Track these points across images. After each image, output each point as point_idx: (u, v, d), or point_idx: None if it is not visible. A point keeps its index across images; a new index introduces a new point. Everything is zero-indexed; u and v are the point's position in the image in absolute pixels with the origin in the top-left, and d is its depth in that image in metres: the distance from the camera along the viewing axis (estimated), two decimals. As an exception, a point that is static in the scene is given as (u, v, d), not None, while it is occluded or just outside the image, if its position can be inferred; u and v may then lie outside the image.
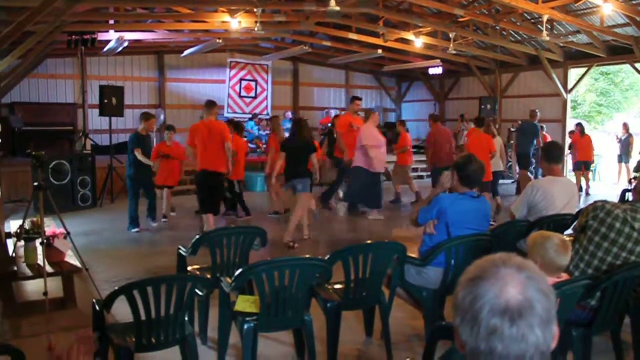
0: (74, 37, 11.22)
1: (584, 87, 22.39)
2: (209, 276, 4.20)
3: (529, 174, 11.59)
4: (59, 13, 8.29)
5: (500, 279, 1.08)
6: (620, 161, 13.97)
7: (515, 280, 1.08)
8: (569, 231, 4.52)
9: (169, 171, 8.93)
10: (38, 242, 4.95)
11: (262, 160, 13.24)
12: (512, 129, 13.85)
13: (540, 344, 1.06)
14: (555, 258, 2.85)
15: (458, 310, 1.12)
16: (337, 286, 4.00)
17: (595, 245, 3.36)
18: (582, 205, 3.60)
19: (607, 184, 13.30)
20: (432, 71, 16.37)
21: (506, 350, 1.05)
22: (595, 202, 3.52)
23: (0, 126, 8.79)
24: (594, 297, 3.28)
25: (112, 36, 11.82)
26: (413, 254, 4.10)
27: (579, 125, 13.05)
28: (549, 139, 12.38)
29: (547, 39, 11.00)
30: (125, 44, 12.22)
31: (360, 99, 10.05)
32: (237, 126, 9.48)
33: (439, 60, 15.09)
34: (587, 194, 12.18)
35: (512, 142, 13.31)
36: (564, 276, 3.00)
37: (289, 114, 15.85)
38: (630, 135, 13.70)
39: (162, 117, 14.41)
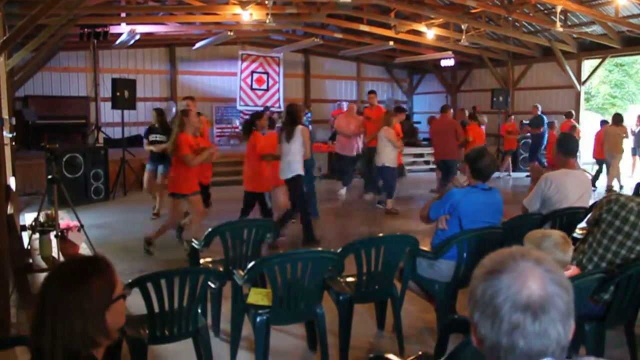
0: (86, 30, 11.27)
1: (598, 78, 22.13)
2: (221, 269, 4.22)
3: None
4: (71, 6, 8.32)
5: (519, 272, 1.08)
6: (634, 154, 13.77)
7: (535, 274, 1.07)
8: (582, 224, 4.49)
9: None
10: (52, 234, 5.00)
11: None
12: None
13: (561, 339, 1.06)
14: (563, 256, 2.81)
15: (477, 305, 1.10)
16: (349, 279, 4.01)
17: (609, 239, 3.34)
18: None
19: (620, 176, 13.13)
20: (443, 63, 16.27)
21: (528, 345, 1.05)
22: (609, 195, 3.50)
23: (14, 119, 8.87)
24: (607, 291, 3.26)
25: (123, 29, 11.87)
26: (425, 246, 4.09)
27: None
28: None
29: (561, 29, 10.90)
30: (137, 37, 12.26)
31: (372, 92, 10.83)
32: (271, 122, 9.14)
33: (450, 52, 14.98)
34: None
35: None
36: (574, 269, 2.98)
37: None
38: (644, 127, 13.51)
39: (174, 109, 14.45)
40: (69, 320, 1.52)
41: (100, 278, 1.58)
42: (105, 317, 1.57)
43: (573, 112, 12.80)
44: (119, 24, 11.73)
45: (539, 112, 13.21)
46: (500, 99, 15.15)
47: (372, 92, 10.84)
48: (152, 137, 8.37)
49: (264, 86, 16.70)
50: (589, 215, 3.86)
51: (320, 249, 5.01)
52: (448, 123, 10.25)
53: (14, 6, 8.52)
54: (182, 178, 6.19)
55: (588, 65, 14.48)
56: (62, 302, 1.53)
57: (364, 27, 13.38)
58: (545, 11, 12.24)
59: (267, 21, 10.26)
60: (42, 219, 5.24)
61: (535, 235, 2.96)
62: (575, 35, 13.18)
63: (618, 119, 11.59)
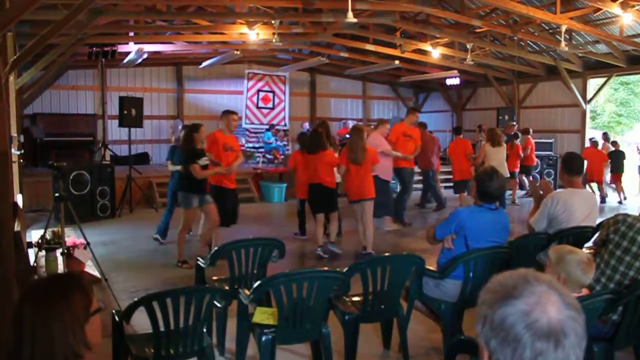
0: (94, 49, 11.42)
1: (603, 97, 22.15)
2: (227, 287, 4.21)
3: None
4: (80, 26, 8.43)
5: (537, 297, 1.07)
6: (640, 172, 13.75)
7: (551, 298, 1.07)
8: (589, 244, 4.46)
9: None
10: (58, 252, 5.02)
11: (280, 171, 13.28)
12: None
13: None
14: (582, 276, 2.79)
15: (494, 333, 1.08)
16: (355, 298, 3.99)
17: (617, 259, 3.32)
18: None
19: (627, 195, 13.07)
20: (449, 82, 16.33)
21: None
22: (617, 215, 3.48)
23: (22, 137, 8.96)
24: (616, 312, 3.23)
25: (131, 48, 12.00)
26: (431, 266, 4.08)
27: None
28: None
29: (566, 49, 10.91)
30: (145, 56, 12.39)
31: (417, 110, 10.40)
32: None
33: (456, 71, 15.05)
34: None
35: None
36: (584, 291, 2.96)
37: (306, 125, 15.90)
38: (651, 146, 13.53)
39: (180, 127, 14.53)
40: (49, 333, 1.52)
41: (78, 291, 1.60)
42: (85, 329, 1.58)
43: (595, 140, 12.99)
44: (127, 43, 11.86)
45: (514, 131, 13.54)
46: (506, 117, 15.18)
47: (415, 109, 10.28)
48: (202, 161, 6.47)
49: (270, 104, 16.79)
50: (596, 236, 3.84)
51: (325, 268, 4.98)
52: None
53: (25, 26, 8.65)
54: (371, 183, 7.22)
55: (593, 83, 14.50)
56: (41, 315, 1.53)
57: (370, 47, 13.47)
58: (550, 30, 12.30)
59: (274, 40, 10.35)
60: (48, 236, 5.26)
61: (563, 248, 2.94)
62: (580, 54, 13.22)
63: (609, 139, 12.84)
